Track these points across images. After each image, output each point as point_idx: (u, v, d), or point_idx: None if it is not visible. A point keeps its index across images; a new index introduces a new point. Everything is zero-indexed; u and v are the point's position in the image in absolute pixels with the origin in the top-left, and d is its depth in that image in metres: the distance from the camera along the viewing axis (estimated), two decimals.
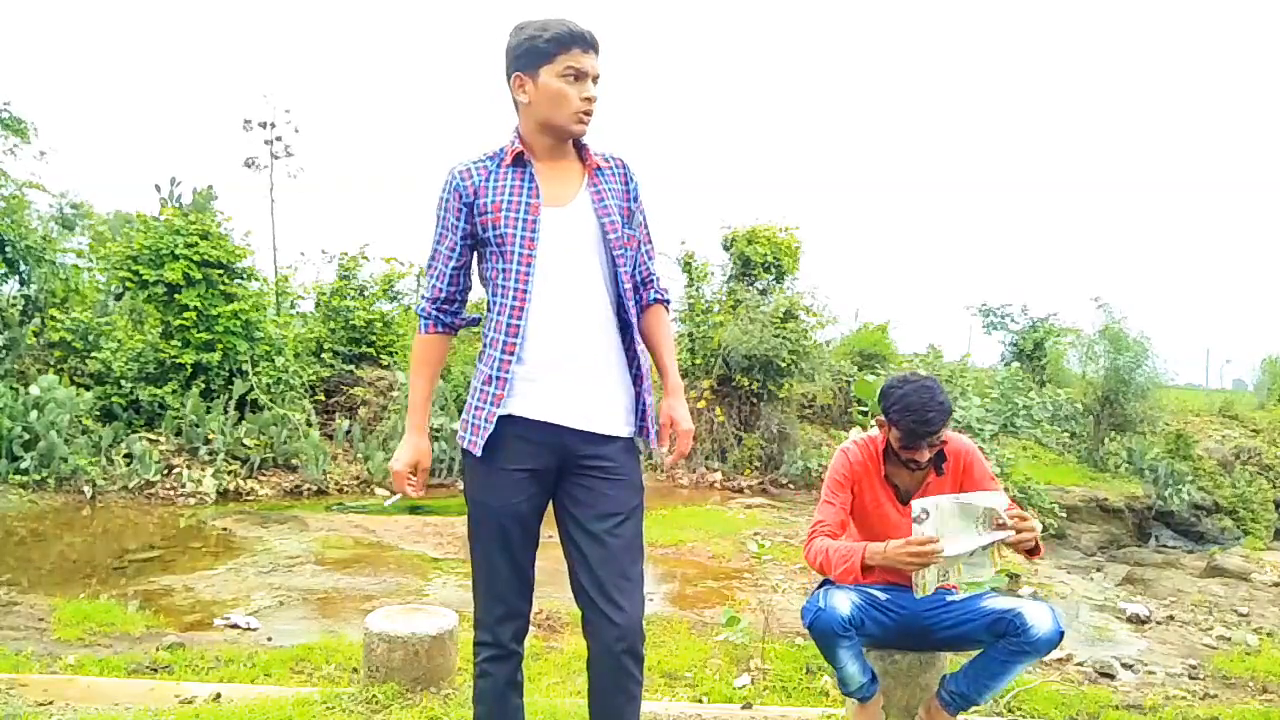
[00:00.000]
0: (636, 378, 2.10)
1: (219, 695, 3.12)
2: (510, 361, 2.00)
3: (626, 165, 2.16)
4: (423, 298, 2.15)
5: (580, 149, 2.11)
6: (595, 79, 2.01)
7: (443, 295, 2.12)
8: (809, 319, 13.10)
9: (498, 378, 2.01)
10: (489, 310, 2.07)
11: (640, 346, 2.11)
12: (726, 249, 13.45)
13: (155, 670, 3.85)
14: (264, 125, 13.79)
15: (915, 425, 2.54)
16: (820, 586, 2.77)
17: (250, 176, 14.00)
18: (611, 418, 2.05)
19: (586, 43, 1.98)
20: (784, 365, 12.21)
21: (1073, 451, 14.22)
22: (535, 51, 1.98)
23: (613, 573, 2.00)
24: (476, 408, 2.04)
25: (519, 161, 2.04)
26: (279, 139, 13.84)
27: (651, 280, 2.21)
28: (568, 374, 2.01)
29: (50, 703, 2.99)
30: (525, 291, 1.99)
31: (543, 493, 2.06)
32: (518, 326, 1.99)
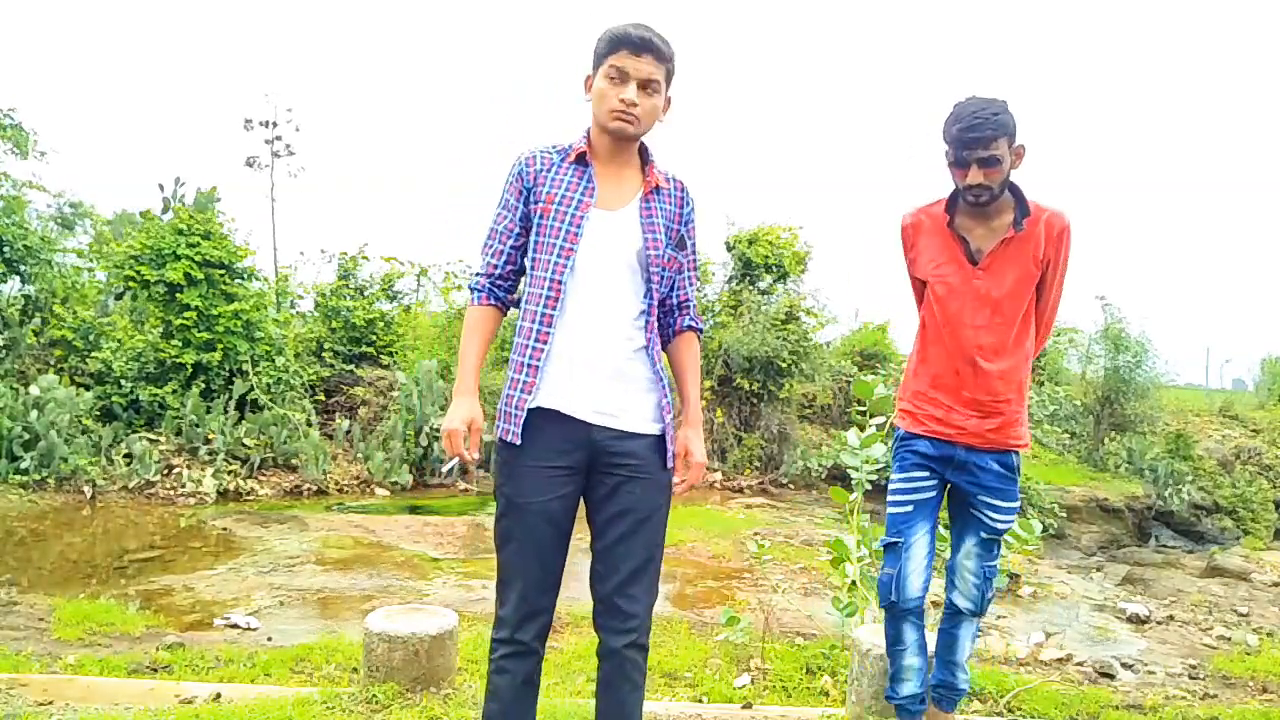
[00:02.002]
0: (660, 391, 2.14)
1: (219, 695, 3.12)
2: (542, 350, 2.04)
3: (685, 189, 2.21)
4: (476, 273, 2.19)
5: (645, 163, 2.17)
6: (646, 84, 2.04)
7: (497, 272, 2.16)
8: (809, 319, 13.11)
9: (529, 365, 2.05)
10: (525, 301, 2.12)
11: (659, 364, 2.14)
12: (729, 249, 13.45)
13: (155, 670, 3.85)
14: (265, 124, 13.80)
15: (960, 132, 2.38)
16: (888, 549, 2.64)
17: (251, 176, 14.04)
18: (639, 416, 2.08)
19: (635, 45, 2.03)
20: (784, 366, 12.21)
21: (1073, 451, 14.22)
22: (596, 53, 2.08)
23: (629, 568, 2.06)
24: (508, 396, 2.08)
25: (582, 160, 2.12)
26: (279, 138, 13.86)
27: (688, 306, 2.25)
28: (597, 371, 2.04)
29: (50, 703, 2.99)
30: (561, 284, 2.04)
31: (574, 491, 2.08)
32: (551, 317, 2.04)
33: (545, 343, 2.04)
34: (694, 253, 2.26)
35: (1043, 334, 2.63)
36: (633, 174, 2.15)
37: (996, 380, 2.52)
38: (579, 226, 2.05)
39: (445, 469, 2.06)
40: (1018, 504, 2.64)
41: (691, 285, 2.26)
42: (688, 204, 2.20)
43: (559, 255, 2.04)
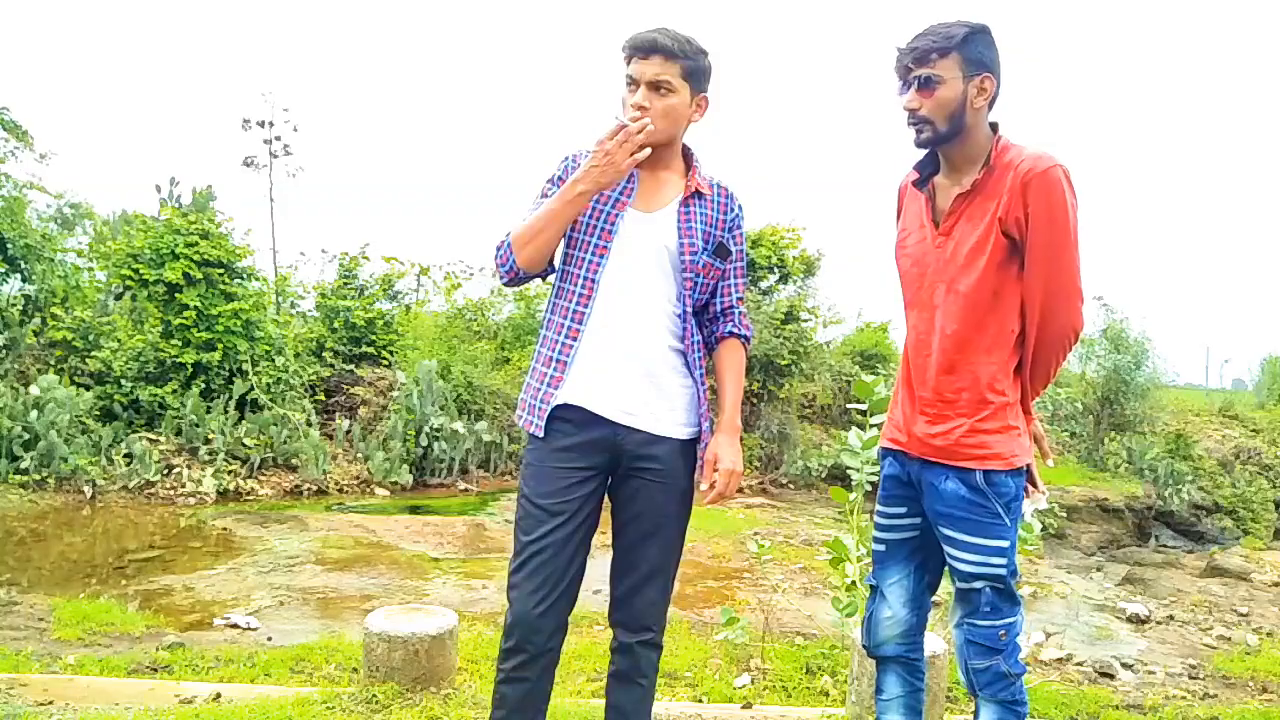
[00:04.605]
0: (694, 395, 2.11)
1: (219, 695, 3.11)
2: (572, 345, 2.03)
3: (732, 197, 2.17)
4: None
5: (689, 168, 2.14)
6: (656, 85, 2.00)
7: None
8: (810, 318, 13.12)
9: (558, 359, 2.04)
10: (555, 295, 2.10)
11: (696, 370, 2.12)
12: None
13: (155, 670, 3.85)
14: (262, 124, 13.77)
15: (899, 50, 1.96)
16: (871, 589, 2.27)
17: (250, 176, 14.00)
18: (667, 419, 2.06)
19: (641, 49, 2.01)
20: (784, 365, 12.22)
21: (1073, 451, 14.22)
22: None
23: (645, 569, 2.09)
24: (534, 388, 2.07)
25: None
26: (278, 138, 13.83)
27: (732, 313, 2.20)
28: (626, 370, 2.03)
29: (50, 703, 2.98)
30: (594, 281, 2.03)
31: (596, 492, 2.08)
32: (582, 314, 2.03)
33: (576, 339, 2.03)
34: (741, 261, 2.23)
35: (1040, 321, 1.95)
36: (674, 178, 2.13)
37: (948, 376, 2.01)
38: (614, 224, 2.04)
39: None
40: (999, 542, 1.97)
41: (737, 292, 2.22)
42: (732, 211, 2.17)
43: (593, 253, 2.04)
